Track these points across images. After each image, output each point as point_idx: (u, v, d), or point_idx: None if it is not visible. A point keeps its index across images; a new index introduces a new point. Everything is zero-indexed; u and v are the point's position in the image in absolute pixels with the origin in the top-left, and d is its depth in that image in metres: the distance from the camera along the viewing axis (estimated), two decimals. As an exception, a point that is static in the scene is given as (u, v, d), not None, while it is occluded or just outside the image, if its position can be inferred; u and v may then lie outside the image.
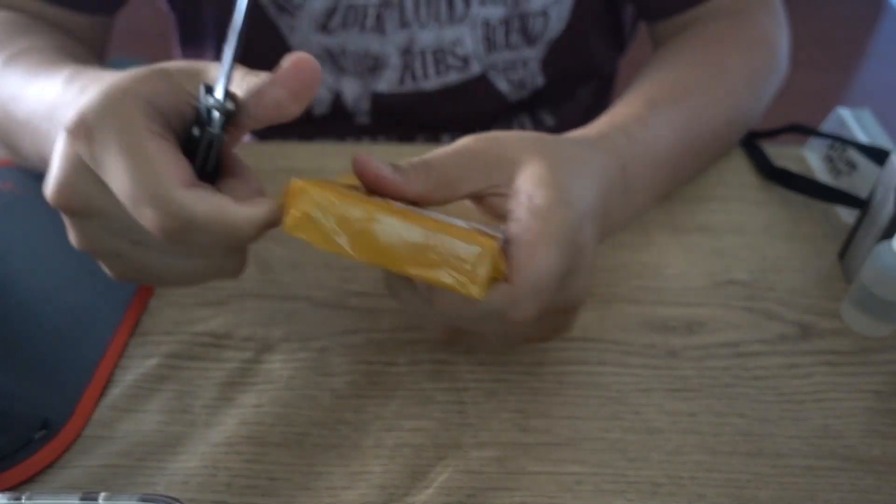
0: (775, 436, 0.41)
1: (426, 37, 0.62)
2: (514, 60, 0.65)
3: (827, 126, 0.60)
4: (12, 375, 0.41)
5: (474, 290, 0.32)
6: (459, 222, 0.35)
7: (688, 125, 0.52)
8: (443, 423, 0.41)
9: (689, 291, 0.49)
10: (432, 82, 0.65)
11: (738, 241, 0.52)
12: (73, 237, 0.37)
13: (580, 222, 0.37)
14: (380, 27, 0.61)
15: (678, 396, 0.43)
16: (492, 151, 0.38)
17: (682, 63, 0.56)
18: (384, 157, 0.36)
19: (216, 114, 0.33)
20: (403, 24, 0.61)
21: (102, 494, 0.32)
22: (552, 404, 0.42)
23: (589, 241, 0.37)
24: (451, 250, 0.32)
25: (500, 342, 0.40)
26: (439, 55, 0.63)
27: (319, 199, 0.32)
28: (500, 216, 0.37)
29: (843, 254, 0.51)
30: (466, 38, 0.62)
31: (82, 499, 0.32)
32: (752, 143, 0.60)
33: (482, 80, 0.66)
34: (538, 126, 0.72)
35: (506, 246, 0.35)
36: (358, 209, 0.32)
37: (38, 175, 0.50)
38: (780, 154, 0.59)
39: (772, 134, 0.61)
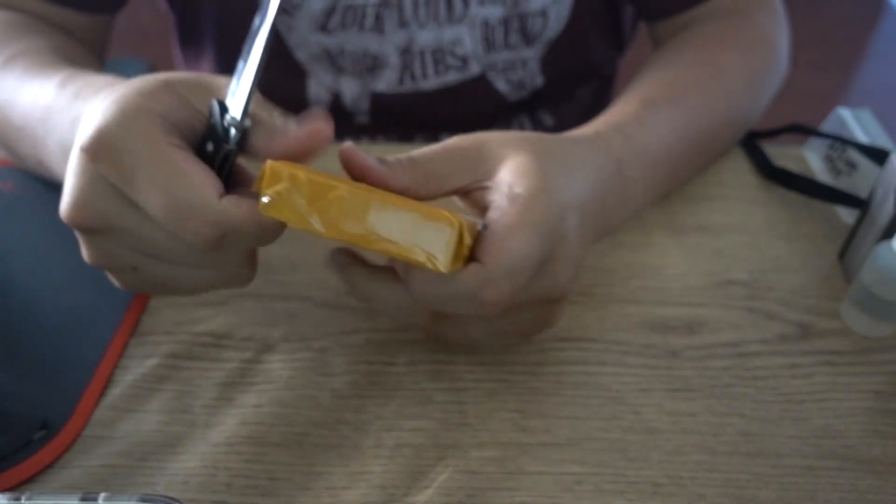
0: (775, 436, 0.41)
1: (425, 37, 0.62)
2: (513, 60, 0.65)
3: (827, 126, 0.60)
4: (12, 375, 0.41)
5: (441, 265, 0.32)
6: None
7: (686, 125, 0.52)
8: (443, 423, 0.41)
9: (689, 291, 0.49)
10: (431, 82, 0.65)
11: (738, 241, 0.52)
12: (86, 254, 0.37)
13: (562, 212, 0.37)
14: (379, 27, 0.61)
15: (678, 396, 0.43)
16: (478, 148, 0.39)
17: (681, 63, 0.56)
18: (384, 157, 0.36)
19: (233, 130, 0.34)
20: (402, 24, 0.61)
21: (102, 494, 0.32)
22: (552, 404, 0.42)
23: (571, 233, 0.38)
24: (420, 226, 0.32)
25: (480, 333, 0.40)
26: (438, 55, 0.63)
27: (291, 180, 0.33)
28: (484, 208, 0.38)
29: (843, 254, 0.51)
30: (465, 38, 0.62)
31: (82, 499, 0.32)
32: (752, 143, 0.60)
33: (481, 81, 0.66)
34: (538, 126, 0.72)
35: (483, 231, 0.35)
36: (329, 189, 0.33)
37: (38, 175, 0.50)
38: (780, 154, 0.59)
39: (772, 134, 0.61)
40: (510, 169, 0.37)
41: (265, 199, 0.33)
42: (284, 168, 0.33)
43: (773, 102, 0.61)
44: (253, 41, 0.34)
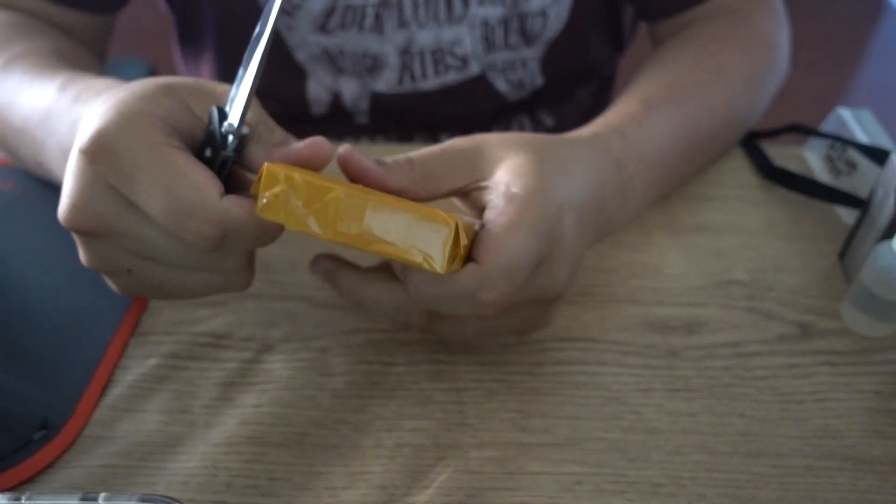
0: (775, 436, 0.41)
1: (425, 37, 0.62)
2: (513, 60, 0.65)
3: (827, 126, 0.60)
4: (12, 375, 0.41)
5: (437, 265, 0.32)
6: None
7: (686, 125, 0.52)
8: (443, 423, 0.41)
9: (689, 291, 0.49)
10: (431, 82, 0.65)
11: (738, 241, 0.52)
12: (84, 256, 0.37)
13: (559, 212, 0.37)
14: (378, 27, 0.61)
15: (678, 396, 0.43)
16: (476, 149, 0.39)
17: (681, 63, 0.56)
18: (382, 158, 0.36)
19: (231, 137, 0.35)
20: (402, 24, 0.61)
21: (102, 494, 0.32)
22: (552, 404, 0.42)
23: (569, 233, 0.38)
24: (416, 227, 0.32)
25: (475, 332, 0.40)
26: (438, 55, 0.63)
27: (288, 182, 0.33)
28: (482, 208, 0.38)
29: (843, 254, 0.51)
30: (465, 38, 0.62)
31: (82, 499, 0.32)
32: (751, 143, 0.60)
33: (481, 81, 0.66)
34: (537, 126, 0.72)
35: (481, 231, 0.35)
36: (326, 191, 0.33)
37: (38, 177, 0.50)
38: (780, 154, 0.59)
39: (772, 134, 0.61)
40: (508, 169, 0.37)
41: (262, 202, 0.33)
42: (281, 170, 0.33)
43: (773, 102, 0.61)
44: (254, 49, 0.35)
